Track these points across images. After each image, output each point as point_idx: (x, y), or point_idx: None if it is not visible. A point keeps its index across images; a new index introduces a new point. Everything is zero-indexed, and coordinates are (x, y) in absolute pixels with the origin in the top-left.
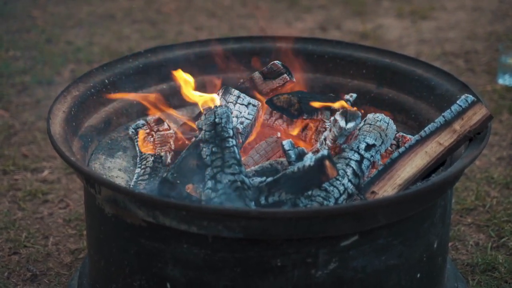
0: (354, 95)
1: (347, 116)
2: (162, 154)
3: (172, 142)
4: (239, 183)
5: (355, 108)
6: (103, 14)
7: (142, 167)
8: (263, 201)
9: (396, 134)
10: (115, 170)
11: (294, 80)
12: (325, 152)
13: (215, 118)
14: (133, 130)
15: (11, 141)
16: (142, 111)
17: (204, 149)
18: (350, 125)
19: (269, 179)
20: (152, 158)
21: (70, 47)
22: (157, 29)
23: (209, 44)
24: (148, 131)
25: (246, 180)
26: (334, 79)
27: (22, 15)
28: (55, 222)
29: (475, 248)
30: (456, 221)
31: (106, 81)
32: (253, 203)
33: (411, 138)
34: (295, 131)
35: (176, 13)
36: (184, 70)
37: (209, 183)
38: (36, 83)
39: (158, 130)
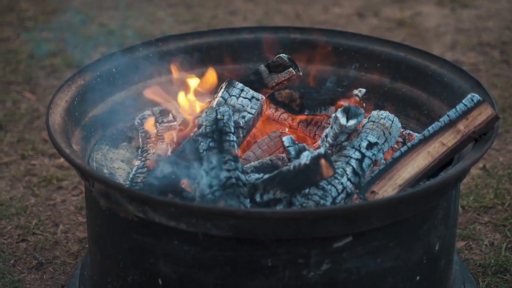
0: (363, 90)
1: (349, 113)
2: (164, 146)
3: (175, 135)
4: (234, 179)
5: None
6: None
7: (142, 159)
8: (258, 199)
9: (402, 131)
10: (118, 161)
11: (301, 73)
12: (321, 150)
13: (216, 115)
14: (139, 121)
15: (33, 125)
16: (150, 102)
17: (201, 143)
18: (351, 122)
19: (265, 176)
20: (153, 150)
21: (103, 30)
22: (192, 13)
23: (222, 34)
24: (152, 122)
25: (242, 176)
26: (348, 72)
27: None
28: (66, 210)
29: (489, 248)
30: (473, 220)
31: (114, 70)
32: (248, 200)
33: None
34: (298, 125)
35: None
36: (194, 61)
37: (204, 179)
38: (65, 66)
39: (162, 122)
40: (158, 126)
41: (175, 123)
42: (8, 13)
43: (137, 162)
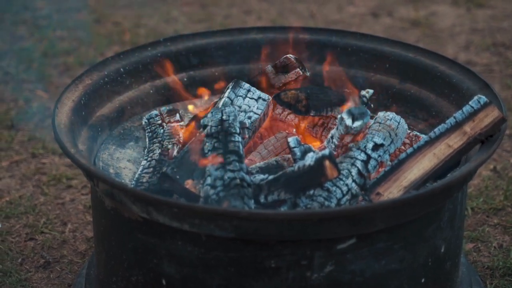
0: (371, 91)
1: (355, 114)
2: (169, 146)
3: (181, 135)
4: (238, 180)
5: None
6: None
7: (148, 159)
8: (262, 200)
9: (409, 133)
10: (124, 161)
11: (308, 74)
12: (326, 151)
13: (222, 115)
14: (146, 121)
15: (44, 124)
16: (158, 101)
17: (206, 144)
18: (357, 123)
19: (270, 177)
20: (159, 150)
21: (116, 28)
22: (205, 12)
23: (231, 33)
24: (159, 122)
25: (246, 177)
26: (357, 73)
27: None
28: (75, 209)
29: (498, 250)
30: (482, 221)
31: (122, 69)
32: (252, 201)
33: None
34: (305, 126)
35: None
36: (203, 60)
37: (208, 179)
38: (78, 64)
39: (169, 122)
40: (165, 126)
41: (182, 123)
42: (23, 11)
43: (143, 162)
